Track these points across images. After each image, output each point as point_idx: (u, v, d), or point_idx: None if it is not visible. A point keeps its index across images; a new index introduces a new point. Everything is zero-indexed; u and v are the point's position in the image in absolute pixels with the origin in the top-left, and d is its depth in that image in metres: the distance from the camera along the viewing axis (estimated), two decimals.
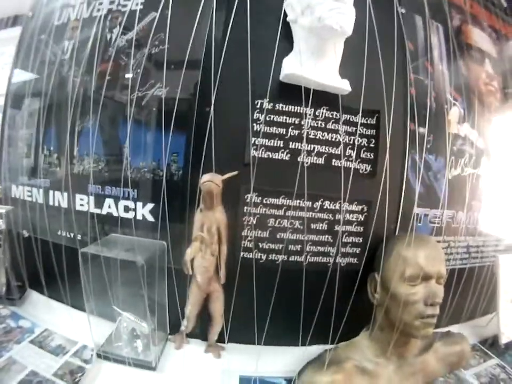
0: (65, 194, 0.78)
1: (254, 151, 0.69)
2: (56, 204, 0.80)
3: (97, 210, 0.75)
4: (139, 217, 0.72)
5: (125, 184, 0.71)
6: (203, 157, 0.69)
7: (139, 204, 0.72)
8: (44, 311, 0.84)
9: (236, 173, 0.67)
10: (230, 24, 0.72)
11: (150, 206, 0.71)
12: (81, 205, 0.76)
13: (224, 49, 0.71)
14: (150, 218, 0.72)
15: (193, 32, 0.73)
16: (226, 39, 0.72)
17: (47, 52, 0.85)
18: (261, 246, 0.71)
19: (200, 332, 0.76)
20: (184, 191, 0.69)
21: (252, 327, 0.72)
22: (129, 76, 0.74)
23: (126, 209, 0.72)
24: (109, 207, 0.73)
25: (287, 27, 0.73)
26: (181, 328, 0.74)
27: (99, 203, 0.74)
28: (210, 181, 0.64)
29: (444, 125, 0.84)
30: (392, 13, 0.80)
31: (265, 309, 0.70)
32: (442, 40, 0.90)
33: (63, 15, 0.88)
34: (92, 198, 0.75)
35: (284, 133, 0.71)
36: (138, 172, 0.71)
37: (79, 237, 0.78)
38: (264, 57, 0.70)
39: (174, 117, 0.69)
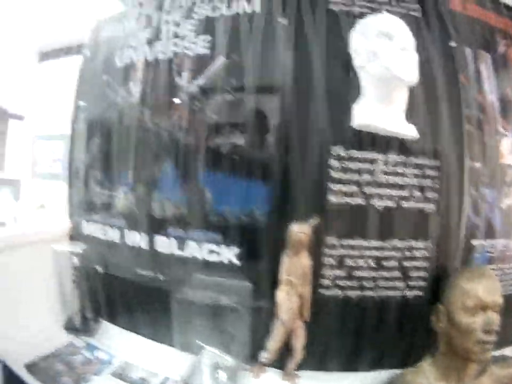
0: (144, 235, 0.84)
1: (332, 197, 0.76)
2: (134, 244, 0.85)
3: (180, 252, 0.81)
4: (224, 260, 0.78)
5: (209, 229, 0.78)
6: (285, 203, 0.75)
7: (223, 247, 0.78)
8: (120, 343, 0.90)
9: (318, 219, 0.74)
10: (302, 70, 0.78)
11: (235, 249, 0.77)
12: (163, 246, 0.82)
13: (298, 96, 0.77)
14: (235, 261, 0.78)
15: (268, 79, 0.78)
16: (299, 85, 0.77)
17: (113, 94, 0.88)
18: (338, 284, 0.79)
19: (277, 361, 0.85)
20: (269, 236, 0.75)
21: (327, 355, 0.81)
22: (205, 122, 0.78)
23: (211, 252, 0.79)
24: (192, 249, 0.80)
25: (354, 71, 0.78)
26: (260, 359, 0.82)
27: (182, 245, 0.80)
28: (301, 232, 0.71)
29: (496, 157, 0.92)
30: (444, 48, 0.86)
31: (340, 338, 0.79)
32: (491, 69, 0.96)
33: (125, 56, 0.90)
34: (174, 241, 0.81)
35: (358, 178, 0.77)
36: (222, 217, 0.77)
37: (160, 276, 0.84)
38: (334, 103, 0.77)
39: (255, 165, 0.75)
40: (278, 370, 0.83)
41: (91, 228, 0.91)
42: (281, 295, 0.75)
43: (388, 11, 0.81)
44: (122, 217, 0.85)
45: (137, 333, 0.90)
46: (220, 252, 0.78)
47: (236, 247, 0.77)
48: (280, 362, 0.83)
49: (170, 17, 0.88)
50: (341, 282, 0.79)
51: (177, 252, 0.81)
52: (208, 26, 0.84)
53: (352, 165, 0.77)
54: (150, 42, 0.87)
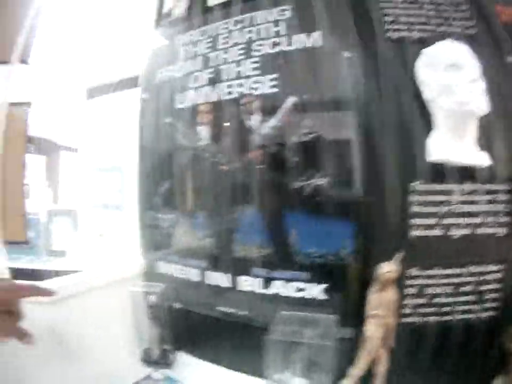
0: (226, 275, 0.87)
1: (413, 232, 0.79)
2: (215, 283, 0.89)
3: (264, 291, 0.84)
4: (309, 296, 0.82)
5: (295, 269, 0.81)
6: (370, 241, 0.79)
7: (310, 285, 0.81)
8: (199, 375, 0.95)
9: (402, 254, 0.77)
10: (373, 105, 0.79)
11: (321, 286, 0.81)
12: (246, 285, 0.86)
13: (373, 133, 0.79)
14: (321, 297, 0.82)
15: (339, 118, 0.80)
16: (372, 122, 0.79)
17: (180, 137, 0.89)
18: (418, 311, 0.83)
19: None
20: (355, 273, 0.79)
21: (404, 380, 0.87)
22: (283, 163, 0.80)
23: (296, 289, 0.82)
24: (277, 288, 0.83)
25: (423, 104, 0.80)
26: None
27: (266, 284, 0.84)
28: (390, 270, 0.74)
29: None
30: (501, 64, 0.88)
31: (418, 361, 0.85)
32: None
33: (187, 98, 0.90)
34: (258, 280, 0.84)
35: (436, 210, 0.80)
36: (308, 257, 0.80)
37: (242, 312, 0.88)
38: (408, 138, 0.79)
39: (338, 205, 0.78)
40: None
41: (168, 268, 0.94)
42: (369, 328, 0.79)
43: (446, 32, 0.83)
44: (202, 258, 0.88)
45: (218, 364, 0.95)
46: (306, 288, 0.81)
47: (323, 283, 0.81)
48: None
49: (228, 56, 0.88)
50: (421, 310, 0.83)
51: (262, 291, 0.84)
52: (270, 63, 0.84)
53: (431, 198, 0.80)
54: (212, 83, 0.87)
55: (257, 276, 0.83)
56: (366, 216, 0.77)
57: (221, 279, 0.88)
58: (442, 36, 0.82)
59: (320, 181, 0.78)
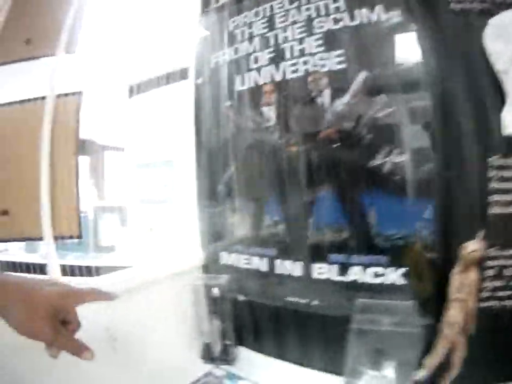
0: (299, 264, 0.82)
1: (493, 209, 0.77)
2: (286, 273, 0.84)
3: (341, 278, 0.80)
4: (388, 281, 0.79)
5: (374, 252, 0.77)
6: (449, 220, 0.76)
7: (389, 270, 0.78)
8: (264, 371, 0.90)
9: (483, 232, 0.75)
10: (443, 79, 0.78)
11: (401, 270, 0.78)
12: (321, 273, 0.81)
13: (447, 108, 0.77)
14: (401, 281, 0.79)
15: (411, 93, 0.78)
16: (445, 96, 0.77)
17: (243, 120, 0.85)
18: (496, 295, 0.82)
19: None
20: (435, 254, 0.77)
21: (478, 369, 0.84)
22: (360, 141, 0.77)
23: (375, 275, 0.79)
24: (355, 274, 0.79)
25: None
26: (416, 377, 0.84)
27: (343, 271, 0.80)
28: (475, 249, 0.72)
29: None
30: None
31: (494, 349, 0.82)
32: None
33: (247, 80, 0.87)
34: (334, 267, 0.80)
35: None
36: (387, 239, 0.77)
37: (315, 302, 0.83)
38: (482, 112, 0.78)
39: (417, 183, 0.75)
40: None
41: (232, 258, 0.89)
42: (450, 313, 0.76)
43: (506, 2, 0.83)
44: (272, 246, 0.83)
45: (285, 360, 0.90)
46: (385, 273, 0.78)
47: (402, 268, 0.77)
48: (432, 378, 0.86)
49: (288, 35, 0.85)
50: (499, 293, 0.82)
51: (338, 278, 0.80)
52: (335, 40, 0.81)
53: (509, 174, 0.79)
54: (274, 62, 0.84)
55: (333, 262, 0.79)
56: (446, 194, 0.75)
57: (292, 267, 0.83)
58: (507, 5, 0.83)
59: (398, 158, 0.75)
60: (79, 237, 0.87)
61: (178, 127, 1.19)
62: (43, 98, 0.93)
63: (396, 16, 0.79)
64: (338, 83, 0.78)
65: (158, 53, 1.23)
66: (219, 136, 0.89)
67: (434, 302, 0.77)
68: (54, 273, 0.88)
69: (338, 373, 0.84)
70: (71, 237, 0.88)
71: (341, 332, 0.81)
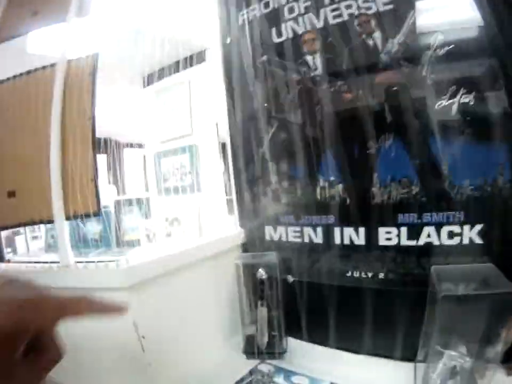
0: (362, 230, 0.73)
1: None
2: (346, 242, 0.75)
3: (411, 242, 0.72)
4: (465, 241, 0.71)
5: (448, 208, 0.70)
6: None
7: (466, 227, 0.71)
8: (321, 363, 0.78)
9: None
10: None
11: (478, 227, 0.71)
12: (388, 239, 0.73)
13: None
14: (478, 241, 0.71)
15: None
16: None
17: (283, 72, 0.78)
18: None
19: None
20: None
21: None
22: (422, 83, 0.71)
23: (450, 235, 0.71)
24: (428, 236, 0.71)
25: None
26: (492, 353, 0.75)
27: (414, 234, 0.72)
28: None
29: None
30: None
31: None
32: None
33: (285, 30, 0.81)
34: (404, 230, 0.72)
35: None
36: (462, 192, 0.70)
37: (381, 275, 0.74)
38: None
39: (491, 126, 0.69)
40: None
41: (279, 233, 0.79)
42: None
43: None
44: (327, 213, 0.75)
45: (345, 349, 0.79)
46: (461, 232, 0.70)
47: (479, 223, 0.70)
48: None
49: None
50: None
51: (407, 242, 0.72)
52: None
53: None
54: (312, 10, 0.79)
55: (402, 224, 0.71)
56: None
57: (354, 235, 0.74)
58: None
59: (466, 97, 0.70)
60: (97, 214, 0.75)
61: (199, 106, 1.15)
62: (53, 65, 0.84)
63: None
64: (389, 24, 0.73)
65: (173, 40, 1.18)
66: (257, 94, 0.82)
67: None
68: (66, 258, 0.75)
69: (406, 358, 0.74)
70: (87, 215, 0.76)
71: (413, 308, 0.72)
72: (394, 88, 0.70)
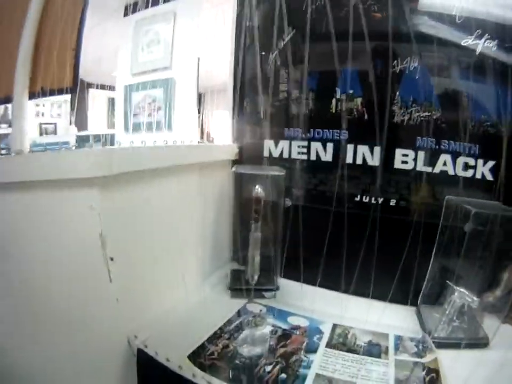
0: (378, 149, 0.69)
1: None
2: (359, 162, 0.69)
3: (427, 169, 0.69)
4: (478, 176, 0.70)
5: (466, 139, 0.69)
6: None
7: (480, 162, 0.70)
8: (320, 303, 0.69)
9: None
10: None
11: (491, 163, 0.71)
12: (404, 161, 0.69)
13: None
14: (489, 177, 0.71)
15: None
16: None
17: None
18: None
19: None
20: None
21: None
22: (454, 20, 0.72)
23: (465, 167, 0.70)
24: (444, 164, 0.69)
25: None
26: (490, 298, 0.73)
27: (431, 160, 0.69)
28: None
29: None
30: None
31: None
32: None
33: None
34: (422, 154, 0.69)
35: None
36: (480, 125, 0.70)
37: (392, 202, 0.69)
38: None
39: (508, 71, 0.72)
40: None
41: (281, 148, 0.70)
42: None
43: None
44: (342, 127, 0.69)
45: (347, 291, 0.70)
46: (475, 165, 0.70)
47: (491, 160, 0.71)
48: None
49: None
50: None
51: (424, 169, 0.69)
52: None
53: None
54: None
55: (420, 148, 0.69)
56: None
57: (368, 155, 0.69)
58: None
59: (489, 43, 0.73)
60: (72, 90, 0.61)
61: None
62: None
63: None
64: None
65: None
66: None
67: None
68: (20, 143, 0.58)
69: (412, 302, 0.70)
70: (59, 91, 0.61)
71: (422, 242, 0.67)
72: (427, 15, 0.70)
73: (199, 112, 1.14)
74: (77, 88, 0.61)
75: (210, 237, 0.74)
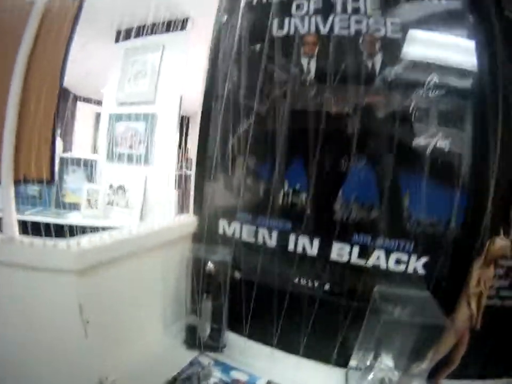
0: (317, 241, 0.78)
1: None
2: (299, 250, 0.79)
3: (361, 261, 0.78)
4: (409, 270, 0.78)
5: (401, 237, 0.76)
6: (479, 214, 0.79)
7: (413, 257, 0.78)
8: (260, 360, 0.83)
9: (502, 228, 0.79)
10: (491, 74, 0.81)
11: (424, 259, 0.78)
12: (340, 254, 0.78)
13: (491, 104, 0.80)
14: (421, 271, 0.78)
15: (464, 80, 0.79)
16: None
17: (271, 66, 0.78)
18: (500, 294, 0.86)
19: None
20: (460, 246, 0.78)
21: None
22: (406, 117, 0.75)
23: (398, 262, 0.77)
24: (378, 258, 0.77)
25: None
26: (417, 369, 0.85)
27: (365, 254, 0.77)
28: (503, 247, 0.75)
29: None
30: None
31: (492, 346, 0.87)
32: None
33: (287, 25, 0.81)
34: (356, 248, 0.77)
35: None
36: (417, 225, 0.76)
37: (326, 286, 0.80)
38: None
39: (457, 172, 0.76)
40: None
41: (234, 229, 0.80)
42: (466, 306, 0.78)
43: None
44: (287, 218, 0.77)
45: (284, 349, 0.84)
46: (407, 261, 0.77)
47: (425, 256, 0.78)
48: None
49: None
50: (503, 293, 0.87)
51: (357, 261, 0.77)
52: (395, 6, 0.80)
53: None
54: (322, 13, 0.79)
55: (356, 243, 0.76)
56: (480, 187, 0.77)
57: (308, 245, 0.78)
58: None
59: (442, 142, 0.75)
60: (50, 182, 0.71)
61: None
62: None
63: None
64: (392, 51, 0.76)
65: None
66: (241, 83, 0.81)
67: (451, 295, 0.79)
68: (11, 229, 0.71)
69: (340, 364, 0.82)
70: (39, 181, 0.71)
71: (351, 320, 0.79)
72: (379, 115, 0.73)
73: (183, 135, 1.22)
74: (53, 180, 0.72)
75: (172, 294, 0.88)
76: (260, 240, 0.81)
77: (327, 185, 0.75)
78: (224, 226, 0.83)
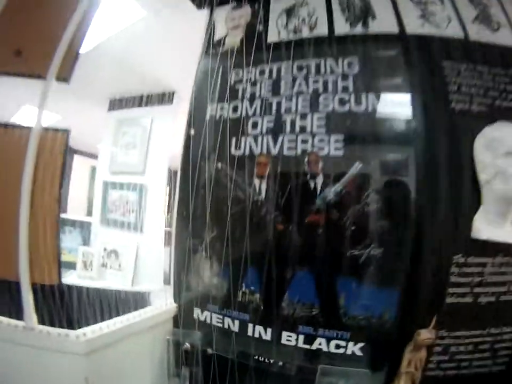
0: (270, 330, 0.96)
1: (449, 299, 0.93)
2: (256, 336, 0.98)
3: (306, 346, 0.96)
4: (348, 352, 0.95)
5: (339, 329, 0.93)
6: (411, 306, 0.92)
7: (351, 343, 0.94)
8: None
9: (435, 318, 0.92)
10: (432, 175, 0.90)
11: (361, 344, 0.93)
12: (288, 340, 0.96)
13: (426, 208, 0.90)
14: (359, 353, 0.94)
15: (401, 189, 0.89)
16: (429, 194, 0.90)
17: (230, 184, 0.93)
18: (441, 366, 1.00)
19: None
20: (394, 335, 0.93)
21: None
22: (342, 231, 0.88)
23: (337, 346, 0.94)
24: (320, 344, 0.95)
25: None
26: None
27: (309, 341, 0.95)
28: (429, 337, 0.89)
29: None
30: None
31: None
32: None
33: (243, 145, 0.93)
34: (302, 337, 0.95)
35: (470, 280, 0.95)
36: (353, 320, 0.92)
37: (280, 363, 0.99)
38: (457, 213, 0.91)
39: (388, 274, 0.89)
40: None
41: (206, 316, 1.01)
42: (400, 383, 0.95)
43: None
44: (245, 312, 0.97)
45: None
46: (346, 346, 0.94)
47: (362, 342, 0.94)
48: None
49: (292, 106, 0.92)
50: (443, 365, 1.00)
51: (303, 346, 0.95)
52: (338, 122, 0.90)
53: (468, 270, 0.94)
54: (273, 133, 0.91)
55: (301, 333, 0.94)
56: (410, 284, 0.90)
57: (263, 333, 0.97)
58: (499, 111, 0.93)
59: (375, 251, 0.88)
60: (59, 286, 0.95)
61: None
62: (29, 128, 0.95)
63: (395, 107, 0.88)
64: (333, 170, 0.88)
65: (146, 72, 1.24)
66: (205, 196, 0.97)
67: (387, 373, 0.95)
68: (30, 319, 0.96)
69: None
70: (50, 286, 0.96)
71: None
72: (318, 231, 0.87)
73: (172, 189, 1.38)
74: (61, 283, 0.96)
75: (157, 367, 1.11)
76: (226, 326, 1.01)
77: (275, 288, 0.92)
78: (198, 313, 1.04)
